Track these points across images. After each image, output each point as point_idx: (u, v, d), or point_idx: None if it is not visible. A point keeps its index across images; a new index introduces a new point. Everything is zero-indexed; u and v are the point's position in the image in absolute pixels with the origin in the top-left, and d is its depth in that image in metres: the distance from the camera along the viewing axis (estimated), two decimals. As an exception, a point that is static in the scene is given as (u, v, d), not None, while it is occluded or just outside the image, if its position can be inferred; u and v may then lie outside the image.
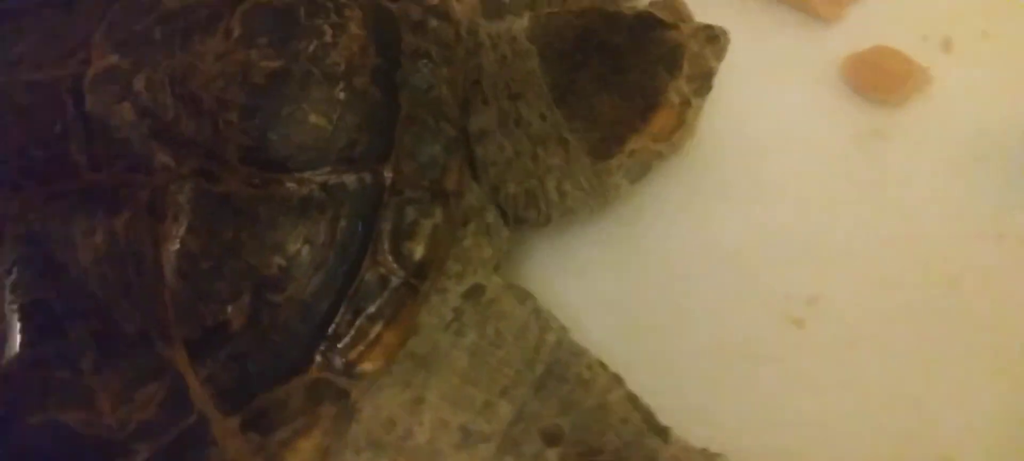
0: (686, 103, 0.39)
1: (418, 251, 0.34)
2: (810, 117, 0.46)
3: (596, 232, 0.43)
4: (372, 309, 0.33)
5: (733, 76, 0.43)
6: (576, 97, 0.38)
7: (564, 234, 0.43)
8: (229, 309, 0.32)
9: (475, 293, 0.36)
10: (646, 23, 0.39)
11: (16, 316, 0.31)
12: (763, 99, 0.47)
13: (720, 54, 0.40)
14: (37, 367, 0.31)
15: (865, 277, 0.42)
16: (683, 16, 0.40)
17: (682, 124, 0.39)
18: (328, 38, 0.34)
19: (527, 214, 0.39)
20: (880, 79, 0.46)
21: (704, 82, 0.39)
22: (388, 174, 0.34)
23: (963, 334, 0.41)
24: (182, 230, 0.32)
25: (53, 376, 0.31)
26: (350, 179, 0.33)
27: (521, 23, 0.40)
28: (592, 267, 0.43)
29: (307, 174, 0.33)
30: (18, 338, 0.31)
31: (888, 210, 0.44)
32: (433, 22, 0.37)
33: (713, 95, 0.41)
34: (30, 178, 0.33)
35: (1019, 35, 0.48)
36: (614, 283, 0.43)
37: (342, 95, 0.34)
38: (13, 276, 0.31)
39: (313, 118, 0.33)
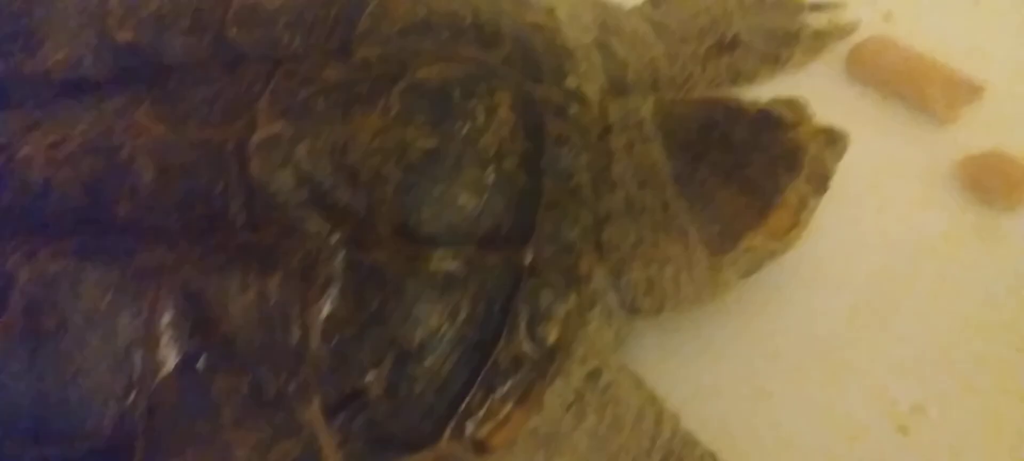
0: (803, 203, 0.39)
1: (552, 335, 0.35)
2: (922, 217, 0.47)
3: (699, 318, 0.44)
4: (504, 389, 0.34)
5: (845, 170, 0.43)
6: (697, 189, 0.39)
7: (667, 320, 0.43)
8: (369, 376, 0.33)
9: (595, 376, 0.37)
10: (768, 120, 0.40)
11: (165, 366, 0.33)
12: (875, 195, 0.47)
13: (839, 156, 0.40)
14: (182, 415, 0.33)
15: (971, 386, 0.42)
16: (803, 116, 0.40)
17: (797, 224, 0.39)
18: (480, 121, 0.36)
19: (643, 302, 0.40)
20: (995, 182, 0.47)
21: (821, 183, 0.40)
22: (528, 257, 0.35)
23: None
24: (331, 295, 0.33)
25: (196, 425, 0.33)
26: (493, 259, 0.35)
27: (647, 107, 0.41)
28: (694, 354, 0.44)
29: (453, 251, 0.34)
30: (165, 388, 0.33)
31: (999, 318, 0.44)
32: (573, 108, 0.38)
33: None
34: (190, 232, 0.34)
35: None
36: (716, 371, 0.43)
37: (491, 178, 0.35)
38: (166, 327, 0.33)
39: (463, 198, 0.35)
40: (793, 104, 0.41)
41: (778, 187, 0.39)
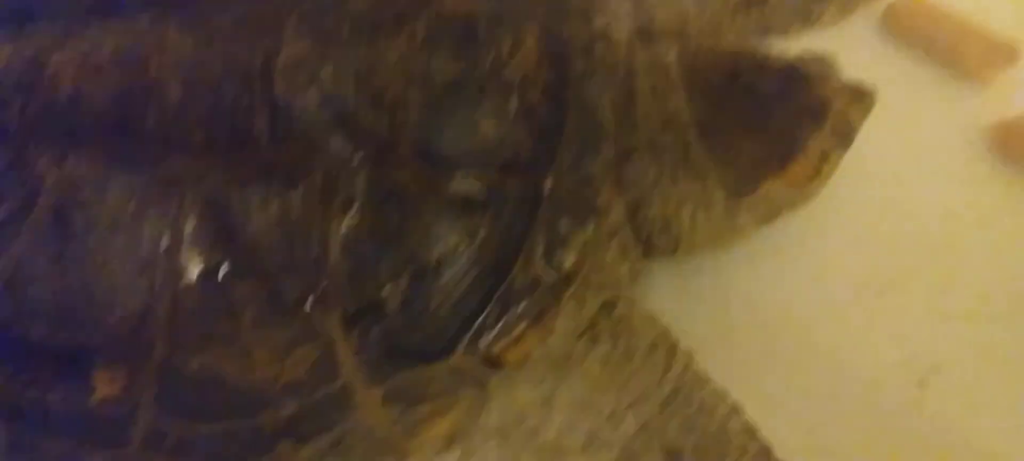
0: (825, 156, 0.39)
1: (569, 260, 0.35)
2: (949, 178, 0.47)
3: (717, 263, 0.44)
4: (519, 309, 0.34)
5: (875, 129, 0.43)
6: (719, 133, 0.39)
7: (686, 263, 0.44)
8: (386, 289, 0.34)
9: (610, 306, 0.38)
10: (794, 74, 0.40)
11: (188, 271, 0.33)
12: (903, 155, 0.47)
13: (865, 113, 0.40)
14: (203, 317, 0.34)
15: (991, 346, 0.42)
16: (831, 71, 0.41)
17: (818, 175, 0.40)
18: (505, 52, 0.36)
19: (659, 240, 0.40)
20: None
21: (845, 137, 0.40)
22: (548, 184, 0.35)
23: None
24: (352, 211, 0.34)
25: (216, 327, 0.34)
26: (513, 184, 0.35)
27: (673, 53, 0.41)
28: (712, 297, 0.44)
29: (474, 175, 0.35)
30: (187, 290, 0.33)
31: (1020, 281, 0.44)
32: (599, 46, 0.39)
33: (856, 153, 0.41)
34: (215, 145, 0.35)
35: None
36: (733, 315, 0.43)
37: (514, 106, 0.36)
38: (190, 234, 0.34)
39: (485, 124, 0.35)
40: (821, 60, 0.41)
41: (801, 137, 0.39)
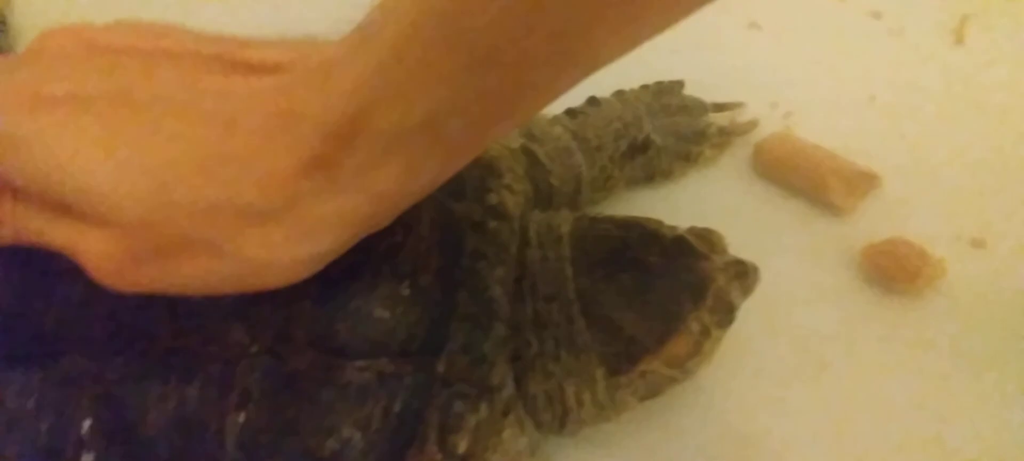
0: (706, 333, 0.40)
1: (462, 444, 0.36)
2: (826, 306, 0.48)
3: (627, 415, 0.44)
4: None
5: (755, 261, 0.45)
6: (600, 308, 0.40)
7: (594, 434, 0.44)
8: None
9: None
10: (680, 248, 0.40)
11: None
12: (782, 286, 0.48)
13: (748, 290, 0.41)
14: None
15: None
16: (717, 248, 0.41)
17: (698, 353, 0.40)
18: (399, 238, 0.37)
19: (543, 417, 0.41)
20: (895, 269, 0.48)
21: (726, 315, 0.40)
22: (440, 367, 0.36)
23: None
24: (247, 404, 0.35)
25: None
26: (406, 370, 0.36)
27: (567, 226, 0.42)
28: (624, 452, 0.44)
29: (367, 363, 0.36)
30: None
31: (902, 401, 0.46)
32: (492, 223, 0.40)
33: None
34: (114, 341, 0.36)
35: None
36: None
37: (406, 292, 0.37)
38: (86, 434, 0.34)
39: (378, 312, 0.36)
40: (708, 235, 0.41)
41: (681, 314, 0.39)
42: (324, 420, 0.35)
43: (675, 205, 0.52)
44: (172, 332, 0.36)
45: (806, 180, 0.52)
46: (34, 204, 0.32)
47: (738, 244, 0.48)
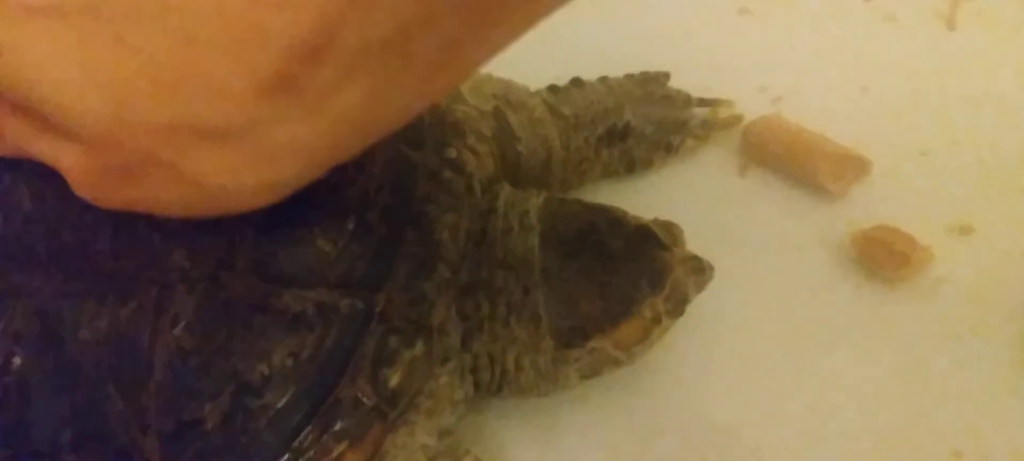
0: (657, 320, 0.40)
1: (393, 379, 0.35)
2: (814, 292, 0.48)
3: (584, 400, 0.44)
4: (338, 427, 0.34)
5: (742, 245, 0.45)
6: (561, 283, 0.40)
7: (548, 400, 0.43)
8: (207, 407, 0.34)
9: (445, 434, 0.38)
10: (644, 236, 0.41)
11: (6, 383, 0.34)
12: (769, 271, 0.48)
13: (701, 286, 0.41)
14: (17, 438, 0.34)
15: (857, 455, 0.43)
16: (677, 239, 0.42)
17: (646, 338, 0.40)
18: (350, 173, 0.37)
19: (481, 377, 0.41)
20: (884, 256, 0.48)
21: (678, 305, 0.41)
22: (379, 302, 0.36)
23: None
24: (179, 327, 0.34)
25: (32, 449, 0.34)
26: (344, 302, 0.35)
27: (536, 200, 0.42)
28: (576, 439, 0.44)
29: (305, 292, 0.35)
30: (7, 407, 0.34)
31: (887, 393, 0.45)
32: (446, 173, 0.40)
33: (722, 268, 0.42)
34: (56, 259, 0.35)
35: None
36: (602, 456, 0.43)
37: (351, 226, 0.36)
38: (13, 346, 0.34)
39: (321, 242, 0.36)
40: (670, 227, 0.42)
41: (636, 298, 0.40)
42: (255, 344, 0.34)
43: (662, 190, 0.52)
44: (113, 253, 0.35)
45: (795, 164, 0.51)
46: (25, 115, 0.32)
47: (726, 229, 0.49)
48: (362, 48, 0.29)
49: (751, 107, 0.54)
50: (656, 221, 0.42)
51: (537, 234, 0.41)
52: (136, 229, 0.35)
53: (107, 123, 0.29)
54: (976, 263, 0.48)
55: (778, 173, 0.52)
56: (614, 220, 0.41)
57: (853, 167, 0.51)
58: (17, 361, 0.34)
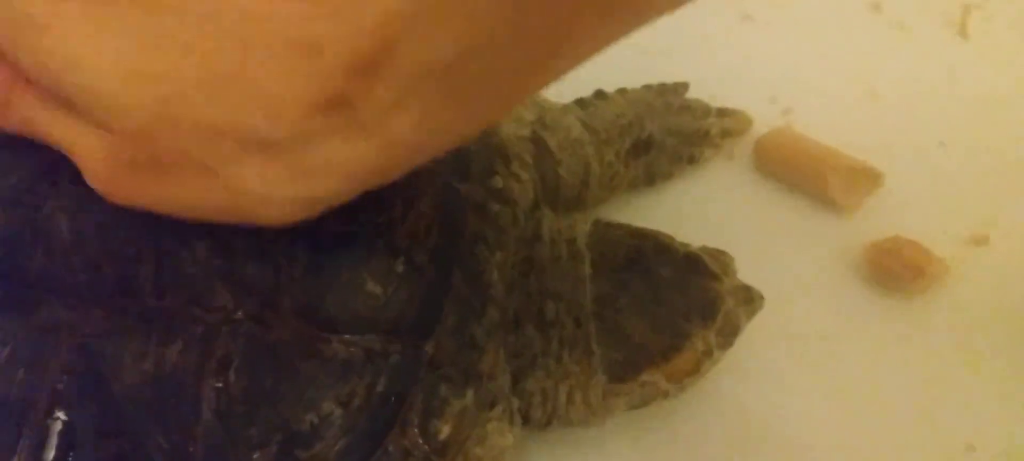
0: (708, 353, 0.40)
1: (444, 430, 0.35)
2: (828, 305, 0.48)
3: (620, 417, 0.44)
4: None
5: (757, 260, 0.44)
6: (612, 314, 0.40)
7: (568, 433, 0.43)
8: (255, 456, 0.33)
9: None
10: (694, 265, 0.40)
11: (54, 426, 0.33)
12: (783, 285, 0.48)
13: (751, 315, 0.41)
14: None
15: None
16: (728, 269, 0.41)
17: (697, 371, 0.40)
18: (397, 213, 0.36)
19: (532, 413, 0.40)
20: (899, 269, 0.48)
21: (729, 337, 0.41)
22: (429, 349, 0.35)
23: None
24: (227, 370, 0.33)
25: None
26: (393, 349, 0.35)
27: (584, 227, 0.42)
28: (619, 456, 0.44)
29: (354, 338, 0.34)
30: (52, 450, 0.33)
31: (906, 404, 0.45)
32: (494, 206, 0.39)
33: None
34: (96, 293, 0.34)
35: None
36: None
37: (400, 269, 0.35)
38: (60, 386, 0.33)
39: (370, 286, 0.35)
40: (720, 256, 0.42)
41: (689, 332, 0.39)
42: (304, 393, 0.34)
43: (676, 203, 0.52)
44: (156, 289, 0.34)
45: (807, 177, 0.51)
46: (43, 94, 0.31)
47: (739, 242, 0.47)
48: (420, 69, 0.28)
49: (762, 119, 0.54)
50: (705, 248, 0.42)
51: (588, 262, 0.40)
52: (179, 262, 0.35)
53: (147, 118, 0.28)
54: (992, 274, 0.49)
55: (791, 186, 0.52)
56: (661, 246, 0.41)
57: (865, 180, 0.51)
58: (63, 404, 0.33)
